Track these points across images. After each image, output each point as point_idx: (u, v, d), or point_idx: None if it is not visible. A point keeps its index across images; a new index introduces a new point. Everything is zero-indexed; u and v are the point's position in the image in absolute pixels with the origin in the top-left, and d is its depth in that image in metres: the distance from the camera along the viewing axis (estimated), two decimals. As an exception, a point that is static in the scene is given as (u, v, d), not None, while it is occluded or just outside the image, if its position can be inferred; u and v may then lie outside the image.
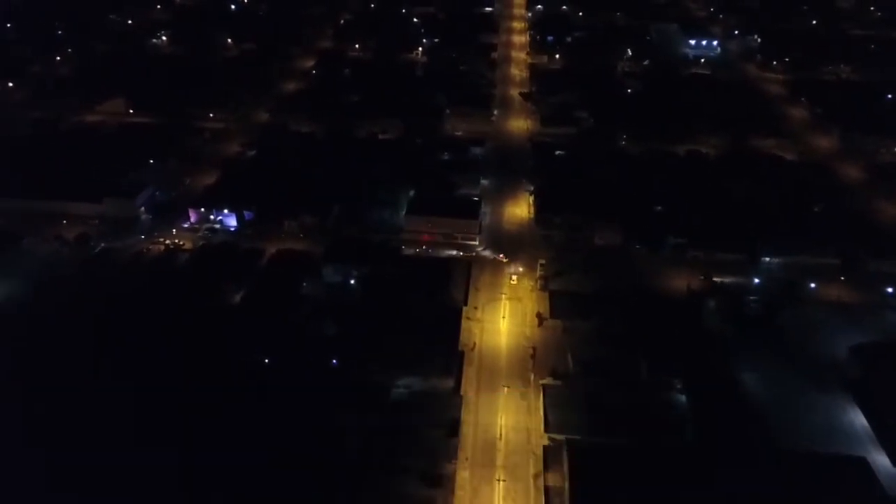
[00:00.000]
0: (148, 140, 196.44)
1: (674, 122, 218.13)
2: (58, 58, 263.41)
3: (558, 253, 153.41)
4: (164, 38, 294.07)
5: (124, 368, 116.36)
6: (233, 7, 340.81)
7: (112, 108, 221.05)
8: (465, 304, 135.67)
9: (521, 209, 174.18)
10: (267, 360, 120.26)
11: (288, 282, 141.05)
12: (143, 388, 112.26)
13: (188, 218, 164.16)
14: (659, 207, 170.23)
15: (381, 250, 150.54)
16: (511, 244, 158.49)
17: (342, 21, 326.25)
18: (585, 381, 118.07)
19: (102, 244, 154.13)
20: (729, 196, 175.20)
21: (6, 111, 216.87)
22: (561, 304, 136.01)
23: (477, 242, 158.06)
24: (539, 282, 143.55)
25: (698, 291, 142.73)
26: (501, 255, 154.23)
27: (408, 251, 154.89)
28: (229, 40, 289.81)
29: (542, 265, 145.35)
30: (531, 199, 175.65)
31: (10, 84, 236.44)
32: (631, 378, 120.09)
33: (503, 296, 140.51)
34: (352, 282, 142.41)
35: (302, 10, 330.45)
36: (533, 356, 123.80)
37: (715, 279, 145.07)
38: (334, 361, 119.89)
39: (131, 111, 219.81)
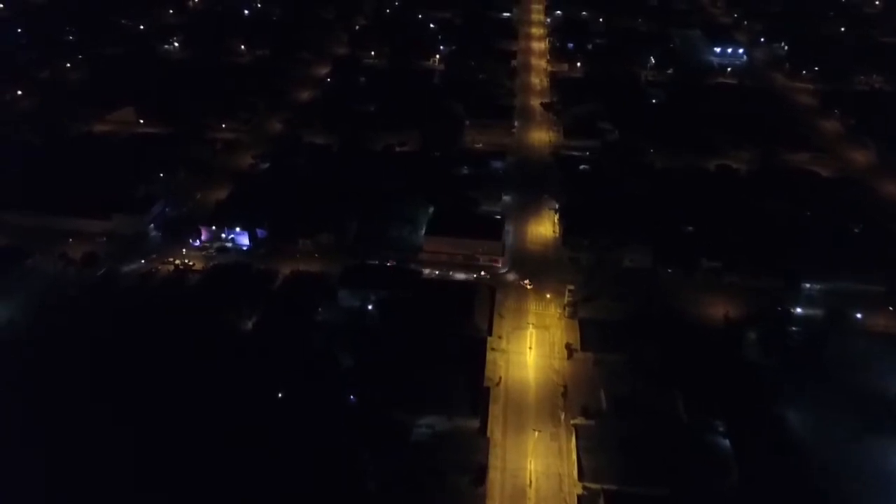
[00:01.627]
0: (158, 151, 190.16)
1: (701, 135, 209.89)
2: (68, 64, 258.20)
3: (586, 276, 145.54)
4: (175, 43, 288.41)
5: (126, 400, 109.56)
6: (246, 12, 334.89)
7: (122, 118, 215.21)
8: (490, 334, 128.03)
9: (545, 228, 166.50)
10: (280, 395, 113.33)
11: (302, 307, 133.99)
12: (144, 422, 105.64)
13: (199, 236, 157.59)
14: (690, 227, 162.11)
15: (400, 273, 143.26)
16: (536, 266, 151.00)
17: (357, 26, 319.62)
18: (620, 422, 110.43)
19: (109, 266, 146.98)
20: (763, 215, 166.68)
21: (14, 119, 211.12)
22: (591, 334, 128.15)
23: (500, 264, 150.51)
24: (567, 309, 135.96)
25: (737, 320, 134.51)
26: (526, 281, 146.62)
27: (427, 273, 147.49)
28: (242, 46, 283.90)
29: (570, 291, 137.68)
30: (556, 217, 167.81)
31: (20, 91, 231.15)
32: (668, 417, 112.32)
33: (530, 325, 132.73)
34: (369, 307, 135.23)
35: (316, 15, 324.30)
36: (564, 394, 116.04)
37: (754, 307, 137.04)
38: (351, 397, 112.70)
39: (141, 121, 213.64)
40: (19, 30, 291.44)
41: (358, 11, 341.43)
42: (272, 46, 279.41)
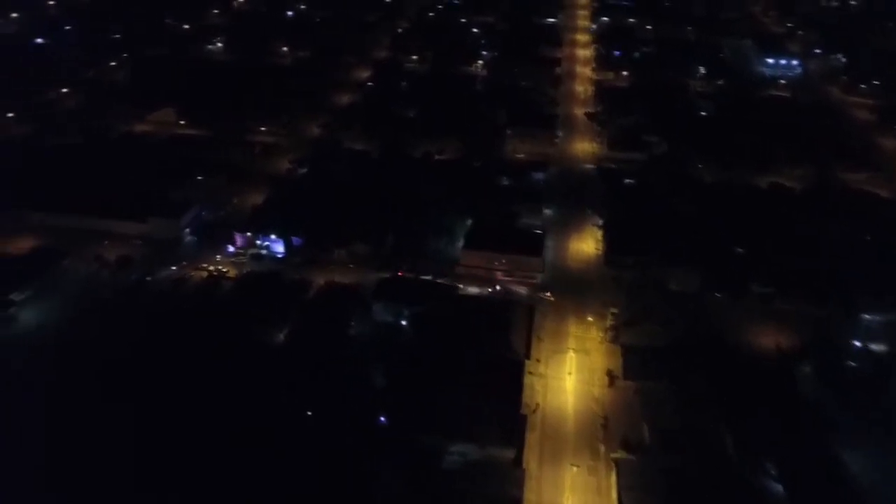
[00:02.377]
0: (196, 154, 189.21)
1: (752, 150, 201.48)
2: (112, 63, 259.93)
3: (629, 298, 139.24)
4: (219, 44, 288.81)
5: (152, 409, 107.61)
6: (289, 13, 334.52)
7: (162, 118, 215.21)
8: (528, 357, 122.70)
9: (587, 245, 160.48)
10: (309, 412, 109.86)
11: (335, 319, 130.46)
12: (167, 433, 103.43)
13: (233, 242, 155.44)
14: (740, 249, 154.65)
15: (436, 288, 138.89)
16: (577, 286, 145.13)
17: (399, 30, 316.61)
18: (663, 457, 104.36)
19: (142, 270, 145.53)
20: (818, 238, 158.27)
21: (59, 119, 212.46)
22: (634, 361, 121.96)
23: (539, 282, 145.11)
24: (609, 333, 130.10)
25: (789, 351, 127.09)
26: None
27: (464, 289, 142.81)
28: (284, 48, 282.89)
29: (612, 314, 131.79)
30: (599, 233, 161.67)
31: (65, 90, 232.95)
32: (715, 455, 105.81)
33: (569, 348, 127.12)
34: (403, 322, 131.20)
35: (359, 17, 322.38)
36: (604, 425, 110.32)
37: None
38: (382, 419, 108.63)
39: (181, 122, 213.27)
40: (67, 27, 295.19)
41: (400, 14, 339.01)
42: (314, 49, 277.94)
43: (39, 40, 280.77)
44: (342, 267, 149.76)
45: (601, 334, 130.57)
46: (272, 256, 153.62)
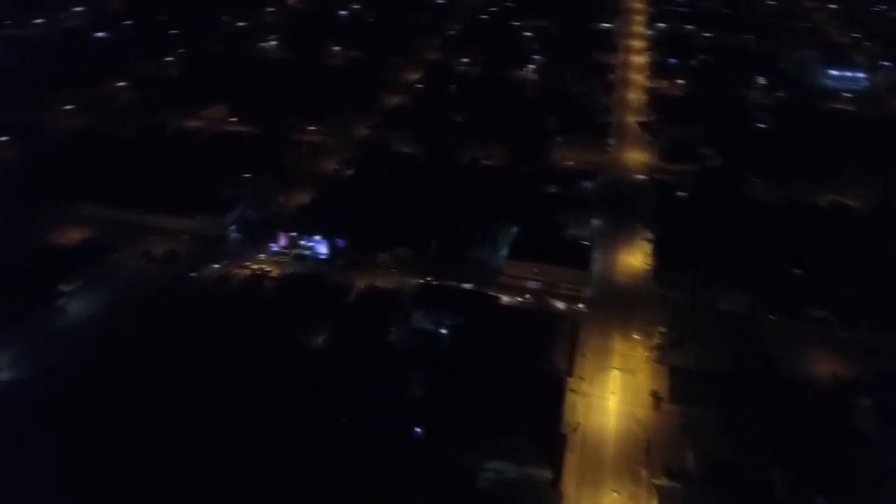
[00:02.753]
0: (245, 151, 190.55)
1: (813, 166, 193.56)
2: (168, 59, 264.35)
3: (678, 317, 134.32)
4: (272, 42, 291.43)
5: (187, 410, 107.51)
6: (342, 13, 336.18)
7: (213, 114, 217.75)
8: (570, 374, 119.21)
9: (635, 259, 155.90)
10: (345, 420, 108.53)
11: (375, 325, 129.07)
12: (201, 435, 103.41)
13: (277, 241, 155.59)
14: (797, 270, 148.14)
15: (478, 298, 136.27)
16: (624, 301, 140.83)
17: (451, 32, 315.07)
18: (708, 488, 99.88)
19: (187, 266, 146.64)
20: (882, 262, 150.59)
21: (114, 112, 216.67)
22: (681, 383, 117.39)
23: (586, 296, 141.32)
24: (655, 352, 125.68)
25: (848, 382, 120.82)
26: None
27: (506, 299, 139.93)
28: (336, 47, 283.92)
29: (660, 333, 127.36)
30: (648, 248, 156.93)
31: (121, 84, 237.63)
32: (763, 490, 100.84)
33: (614, 367, 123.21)
34: (443, 331, 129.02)
35: (410, 19, 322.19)
36: (647, 449, 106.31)
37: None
38: (417, 430, 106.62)
39: (232, 119, 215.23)
40: (127, 22, 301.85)
41: (452, 17, 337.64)
42: (365, 49, 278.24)
43: (100, 34, 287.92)
44: (384, 271, 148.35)
45: (647, 353, 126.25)
46: (315, 257, 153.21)
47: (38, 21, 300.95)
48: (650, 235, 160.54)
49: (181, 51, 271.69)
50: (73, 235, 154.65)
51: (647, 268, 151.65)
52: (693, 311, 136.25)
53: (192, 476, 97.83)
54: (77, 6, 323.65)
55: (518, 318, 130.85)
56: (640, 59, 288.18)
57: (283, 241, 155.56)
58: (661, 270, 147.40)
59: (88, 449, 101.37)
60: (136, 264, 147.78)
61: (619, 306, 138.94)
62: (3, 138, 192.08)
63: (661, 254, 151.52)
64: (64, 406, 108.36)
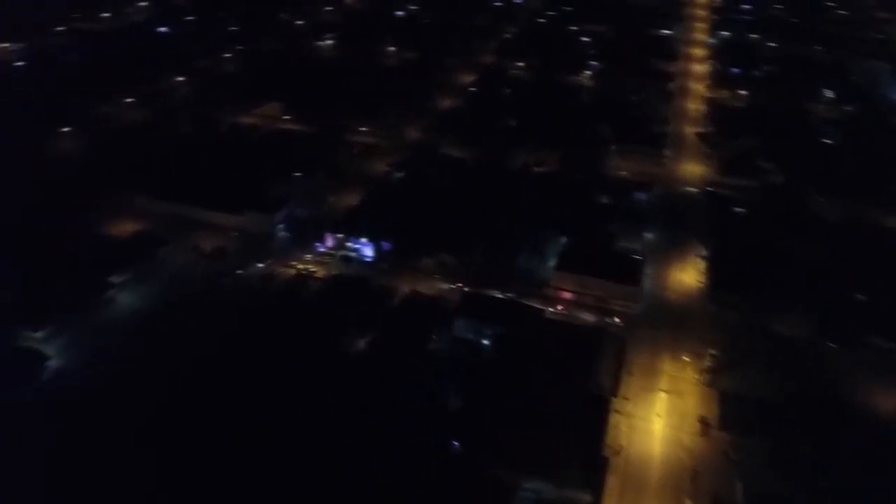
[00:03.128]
0: (297, 150, 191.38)
1: (881, 185, 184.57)
2: (226, 55, 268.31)
3: (732, 339, 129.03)
4: (328, 41, 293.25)
5: (224, 412, 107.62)
6: (399, 13, 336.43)
7: (268, 112, 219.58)
8: (615, 394, 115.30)
9: (688, 276, 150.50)
10: (380, 425, 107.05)
11: (416, 332, 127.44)
12: (234, 438, 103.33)
13: (324, 242, 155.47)
14: (861, 296, 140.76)
15: (522, 309, 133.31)
16: (674, 320, 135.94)
17: (507, 35, 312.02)
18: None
19: (235, 263, 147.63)
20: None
21: (172, 106, 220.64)
22: (732, 410, 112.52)
23: (635, 313, 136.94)
24: (706, 375, 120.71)
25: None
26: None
27: (551, 312, 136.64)
28: (391, 48, 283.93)
29: (711, 355, 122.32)
30: (702, 265, 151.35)
31: (180, 79, 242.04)
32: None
33: (661, 388, 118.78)
34: (485, 342, 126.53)
35: (467, 21, 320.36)
36: (693, 478, 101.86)
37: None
38: (455, 443, 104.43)
39: (285, 117, 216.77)
40: (188, 18, 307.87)
41: (509, 20, 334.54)
42: (420, 50, 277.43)
43: (163, 29, 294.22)
44: (428, 276, 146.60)
45: (697, 376, 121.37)
46: (361, 260, 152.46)
47: (105, 15, 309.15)
48: (704, 252, 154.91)
49: (239, 48, 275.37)
50: (127, 227, 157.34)
51: (701, 286, 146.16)
52: (747, 333, 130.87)
53: (219, 475, 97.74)
54: (142, 1, 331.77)
55: (563, 332, 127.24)
56: (700, 68, 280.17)
57: (329, 241, 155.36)
58: (715, 289, 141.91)
59: (126, 440, 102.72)
60: (185, 259, 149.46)
61: (669, 325, 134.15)
62: (66, 129, 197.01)
63: (716, 272, 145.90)
64: (105, 397, 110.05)
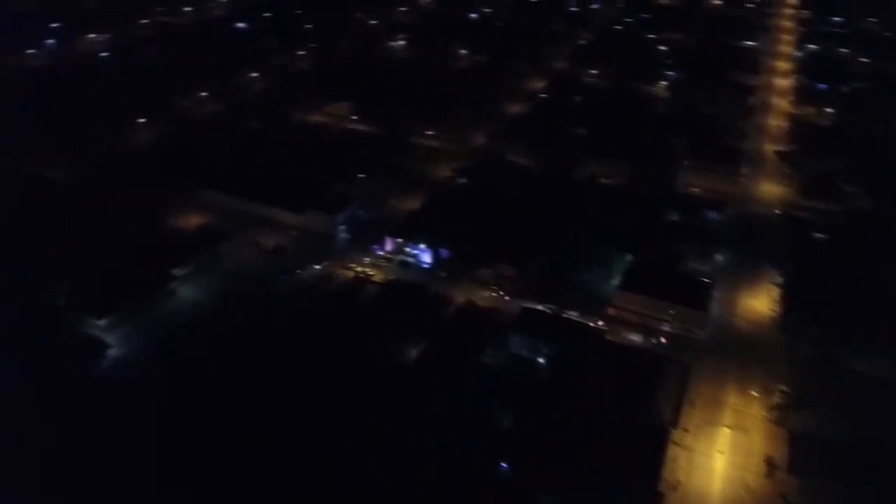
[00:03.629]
0: (362, 151, 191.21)
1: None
2: (300, 52, 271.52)
3: (804, 375, 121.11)
4: (401, 41, 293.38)
5: (272, 410, 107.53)
6: (473, 16, 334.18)
7: (337, 111, 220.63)
8: (675, 426, 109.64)
9: (760, 303, 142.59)
10: (431, 441, 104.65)
11: (470, 344, 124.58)
12: (272, 440, 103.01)
13: (383, 245, 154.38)
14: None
15: (581, 329, 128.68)
16: (743, 350, 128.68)
17: (582, 41, 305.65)
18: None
19: (294, 262, 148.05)
20: None
21: (243, 103, 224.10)
22: (801, 452, 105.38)
23: (701, 340, 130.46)
24: (775, 413, 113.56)
25: None
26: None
27: (612, 333, 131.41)
28: (463, 50, 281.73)
29: (781, 392, 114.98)
30: (776, 293, 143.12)
31: (254, 75, 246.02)
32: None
33: (725, 423, 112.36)
34: (541, 360, 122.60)
35: (543, 25, 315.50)
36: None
37: None
38: (503, 465, 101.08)
39: (354, 117, 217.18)
40: (266, 14, 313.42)
41: (585, 26, 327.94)
42: (492, 54, 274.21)
43: (241, 24, 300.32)
44: (486, 287, 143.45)
45: (765, 412, 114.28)
46: (418, 265, 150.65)
47: (188, 9, 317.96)
48: (779, 279, 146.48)
49: (312, 45, 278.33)
50: (192, 220, 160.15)
51: (773, 315, 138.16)
52: (822, 369, 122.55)
53: (263, 471, 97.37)
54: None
55: (623, 355, 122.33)
56: (784, 83, 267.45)
57: (389, 245, 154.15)
58: (789, 319, 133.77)
59: (177, 431, 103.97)
60: (246, 255, 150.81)
61: (737, 355, 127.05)
62: (142, 120, 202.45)
63: (791, 300, 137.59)
64: (160, 388, 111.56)
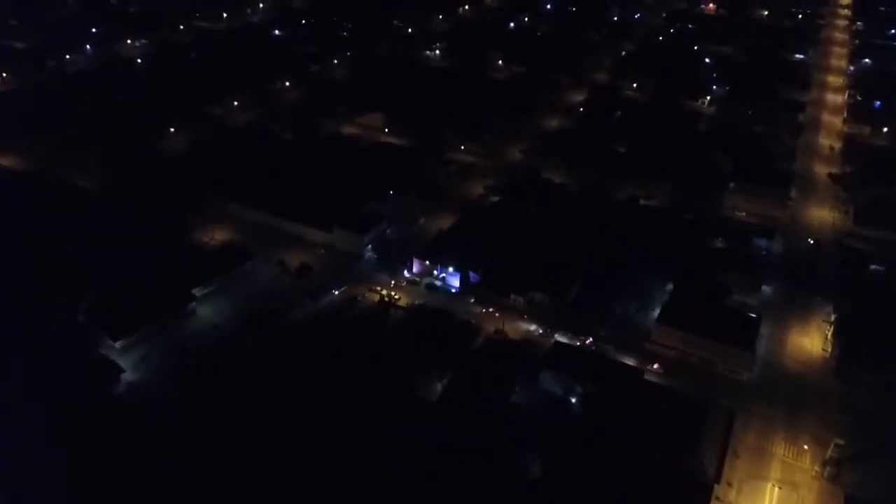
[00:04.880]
0: (394, 165, 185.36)
1: None
2: (335, 61, 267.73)
3: (861, 426, 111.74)
4: (438, 50, 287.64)
5: (286, 439, 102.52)
6: (511, 25, 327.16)
7: (370, 122, 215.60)
8: (718, 480, 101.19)
9: (811, 342, 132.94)
10: (450, 490, 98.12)
11: (498, 380, 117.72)
12: (287, 474, 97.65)
13: (411, 267, 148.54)
14: None
15: (618, 368, 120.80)
16: (792, 394, 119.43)
17: (623, 52, 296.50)
18: None
19: (319, 283, 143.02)
20: None
21: (276, 113, 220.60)
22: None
23: (746, 382, 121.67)
24: (828, 468, 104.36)
25: None
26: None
27: (650, 371, 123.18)
28: (500, 61, 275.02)
29: (836, 445, 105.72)
30: (829, 331, 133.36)
31: (287, 83, 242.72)
32: None
33: (772, 478, 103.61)
34: (573, 399, 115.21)
35: (582, 35, 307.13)
36: None
37: None
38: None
39: (387, 129, 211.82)
40: (303, 21, 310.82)
41: (627, 35, 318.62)
42: (530, 64, 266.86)
43: (278, 32, 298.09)
44: (517, 315, 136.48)
45: (816, 468, 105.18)
46: (447, 289, 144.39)
47: (226, 15, 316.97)
48: (832, 315, 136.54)
49: (348, 53, 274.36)
50: (217, 235, 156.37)
51: (826, 356, 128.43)
52: (881, 419, 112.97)
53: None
54: (263, 2, 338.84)
55: (662, 397, 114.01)
56: (836, 99, 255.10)
57: (416, 267, 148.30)
58: (844, 362, 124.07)
59: (191, 461, 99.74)
60: (270, 274, 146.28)
61: (787, 401, 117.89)
62: (172, 129, 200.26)
63: (846, 341, 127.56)
64: (175, 416, 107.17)
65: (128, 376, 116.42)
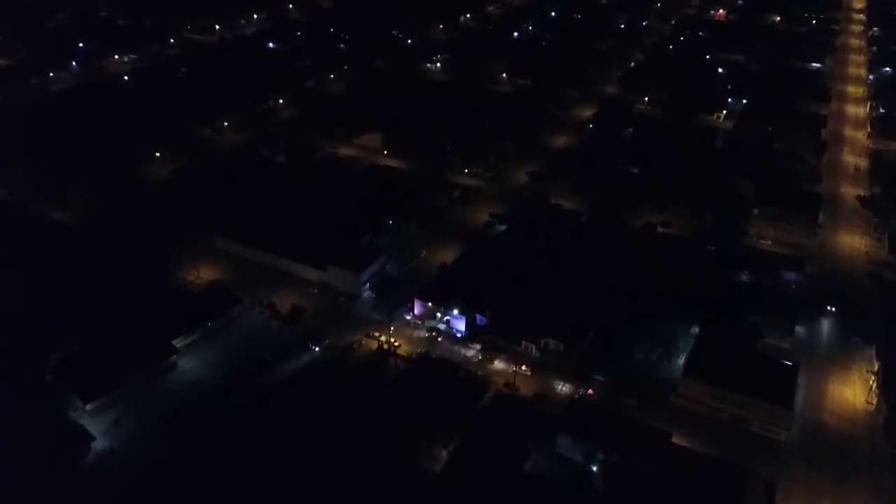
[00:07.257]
0: (392, 191, 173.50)
1: None
2: (332, 75, 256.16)
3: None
4: (438, 63, 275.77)
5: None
6: (515, 34, 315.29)
7: (368, 143, 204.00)
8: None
9: (853, 393, 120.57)
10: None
11: (510, 445, 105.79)
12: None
13: (412, 309, 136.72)
14: None
15: (642, 429, 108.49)
16: (836, 456, 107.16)
17: (632, 63, 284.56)
18: None
19: (311, 328, 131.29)
20: None
21: (269, 133, 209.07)
22: None
23: (784, 440, 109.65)
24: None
25: None
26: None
27: (679, 434, 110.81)
28: (504, 74, 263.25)
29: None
30: (873, 381, 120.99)
31: (281, 101, 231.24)
32: None
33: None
34: (594, 468, 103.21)
35: (589, 45, 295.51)
36: None
37: None
38: None
39: (385, 151, 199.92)
40: (298, 33, 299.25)
41: (636, 43, 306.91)
42: (535, 77, 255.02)
43: (272, 44, 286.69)
44: (528, 365, 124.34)
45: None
46: (451, 334, 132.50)
47: (218, 27, 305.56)
48: (876, 363, 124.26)
49: (345, 67, 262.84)
50: (202, 274, 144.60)
51: (871, 409, 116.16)
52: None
53: None
54: (258, 13, 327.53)
55: (692, 465, 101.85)
56: (858, 111, 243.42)
57: (418, 309, 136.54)
58: (892, 419, 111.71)
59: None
60: (259, 319, 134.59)
61: (832, 465, 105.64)
62: (156, 154, 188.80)
63: (892, 392, 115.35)
64: (146, 489, 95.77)
65: (98, 444, 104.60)
